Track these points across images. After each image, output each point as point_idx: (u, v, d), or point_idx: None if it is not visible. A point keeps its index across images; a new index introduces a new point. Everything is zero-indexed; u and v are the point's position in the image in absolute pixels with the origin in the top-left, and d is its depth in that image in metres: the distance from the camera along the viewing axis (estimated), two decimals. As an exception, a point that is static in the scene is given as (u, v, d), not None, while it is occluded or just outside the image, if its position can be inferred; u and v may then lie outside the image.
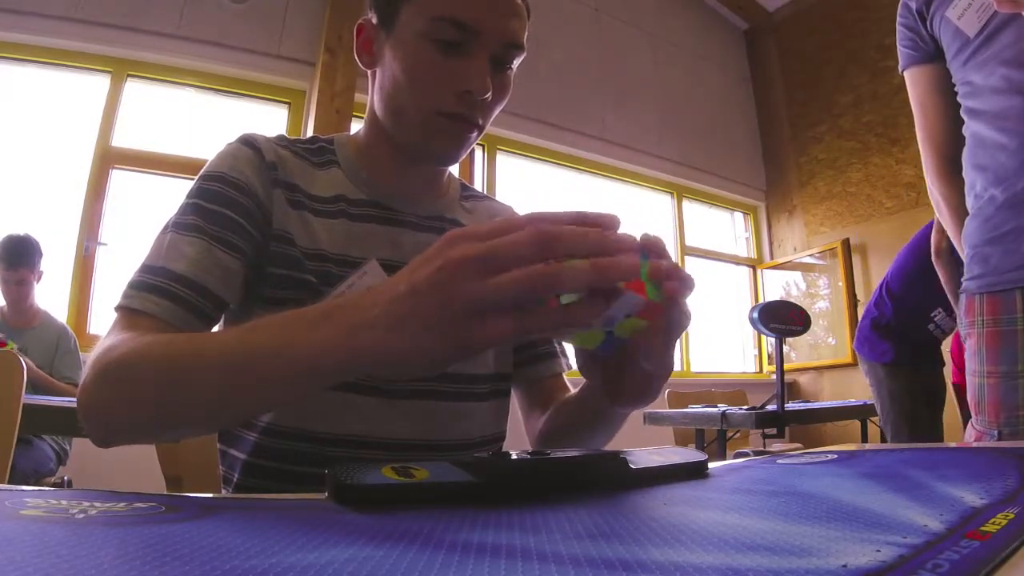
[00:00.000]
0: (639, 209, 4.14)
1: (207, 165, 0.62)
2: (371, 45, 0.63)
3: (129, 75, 2.67)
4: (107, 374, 0.46)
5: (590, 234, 0.35)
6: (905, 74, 1.00)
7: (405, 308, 0.35)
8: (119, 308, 0.54)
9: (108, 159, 2.58)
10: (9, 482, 0.87)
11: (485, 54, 0.58)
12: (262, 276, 0.60)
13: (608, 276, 0.34)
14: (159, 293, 0.53)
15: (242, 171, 0.60)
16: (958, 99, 0.91)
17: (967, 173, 0.89)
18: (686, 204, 4.33)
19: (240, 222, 0.58)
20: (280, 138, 0.66)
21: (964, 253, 0.90)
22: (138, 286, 0.54)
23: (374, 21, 0.62)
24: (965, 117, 0.89)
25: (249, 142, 0.63)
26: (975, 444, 0.80)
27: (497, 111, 0.63)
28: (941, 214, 1.00)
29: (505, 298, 0.33)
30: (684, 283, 0.39)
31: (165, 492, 0.51)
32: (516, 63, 0.62)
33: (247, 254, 0.59)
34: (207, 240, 0.56)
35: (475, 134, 0.62)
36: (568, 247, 0.34)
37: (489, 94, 0.58)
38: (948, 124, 0.94)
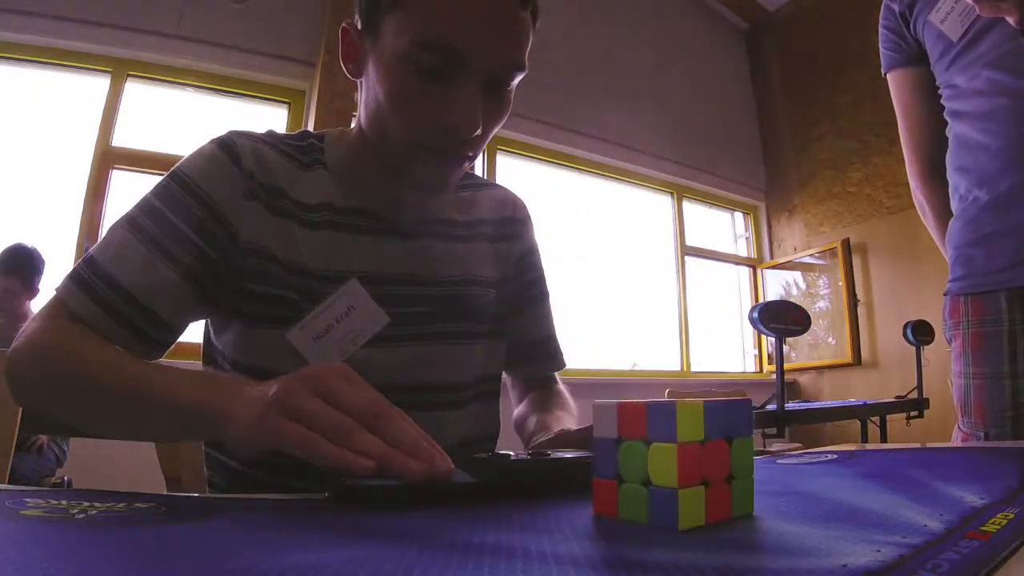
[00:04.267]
0: (639, 209, 4.14)
1: (180, 163, 0.59)
2: (357, 52, 0.58)
3: (129, 75, 2.66)
4: (35, 356, 0.51)
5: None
6: (888, 77, 1.00)
7: (254, 435, 0.40)
8: (57, 299, 0.54)
9: (108, 159, 2.58)
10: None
11: (475, 81, 0.51)
12: (238, 291, 0.58)
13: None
14: (96, 301, 0.53)
15: (211, 182, 0.57)
16: (942, 102, 0.91)
17: (951, 175, 0.89)
18: (686, 204, 4.33)
19: (193, 239, 0.56)
20: (269, 135, 0.64)
21: (947, 255, 0.91)
22: (78, 281, 0.54)
23: (359, 26, 0.57)
24: (949, 119, 0.89)
25: (228, 146, 0.59)
26: (970, 445, 0.80)
27: (492, 135, 0.58)
28: (925, 216, 1.00)
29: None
30: None
31: (165, 492, 0.51)
32: (516, 82, 0.55)
33: (194, 272, 0.56)
34: (151, 250, 0.54)
35: (465, 164, 0.58)
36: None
37: (479, 129, 0.53)
38: (931, 127, 0.95)
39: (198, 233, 0.56)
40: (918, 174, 0.98)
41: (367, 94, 0.58)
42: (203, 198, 0.57)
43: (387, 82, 0.53)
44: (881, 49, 0.98)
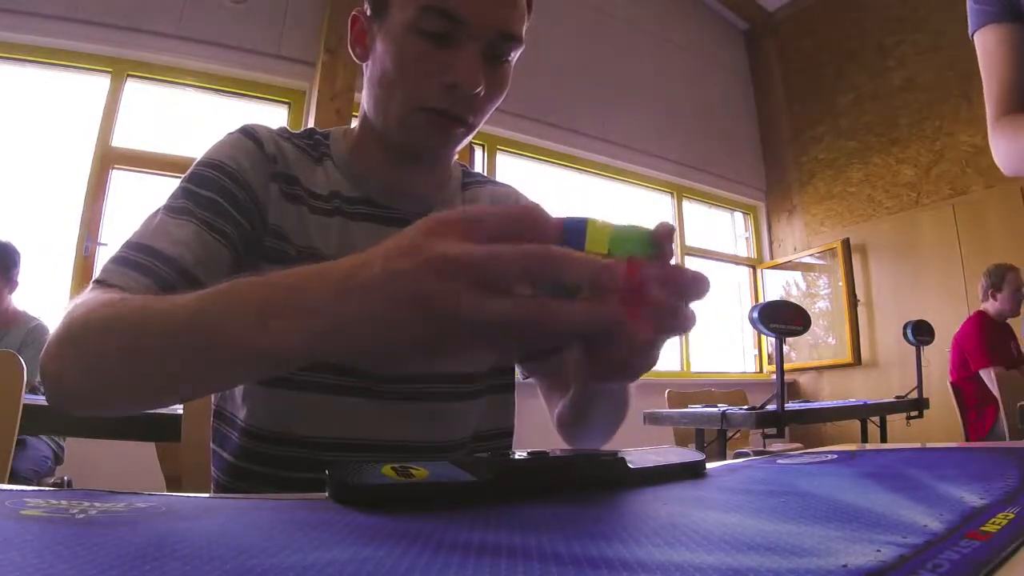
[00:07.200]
0: (639, 209, 4.14)
1: (205, 152, 0.61)
2: (364, 37, 0.62)
3: (129, 75, 2.67)
4: (68, 331, 0.44)
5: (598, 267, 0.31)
6: (976, 35, 0.95)
7: (379, 304, 0.31)
8: (96, 282, 0.51)
9: (108, 159, 2.58)
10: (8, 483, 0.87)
11: (476, 46, 0.55)
12: (255, 271, 0.58)
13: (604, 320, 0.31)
14: (141, 271, 0.51)
15: (239, 162, 0.59)
16: None
17: None
18: (686, 204, 4.33)
19: (230, 211, 0.57)
20: (282, 130, 0.66)
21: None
22: (120, 262, 0.51)
23: (368, 12, 0.61)
24: None
25: (250, 133, 0.62)
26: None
27: (492, 108, 0.61)
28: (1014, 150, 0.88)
29: (493, 326, 0.30)
30: (696, 283, 0.36)
31: (165, 492, 0.51)
32: (514, 56, 0.59)
33: (235, 243, 0.57)
34: (196, 223, 0.55)
35: (463, 131, 0.60)
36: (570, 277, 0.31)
37: (480, 89, 0.56)
38: (1020, 83, 0.90)
39: (233, 205, 0.58)
40: (995, 121, 0.89)
41: (373, 71, 0.61)
42: (234, 173, 0.59)
43: (394, 50, 0.57)
44: (974, 6, 0.94)
